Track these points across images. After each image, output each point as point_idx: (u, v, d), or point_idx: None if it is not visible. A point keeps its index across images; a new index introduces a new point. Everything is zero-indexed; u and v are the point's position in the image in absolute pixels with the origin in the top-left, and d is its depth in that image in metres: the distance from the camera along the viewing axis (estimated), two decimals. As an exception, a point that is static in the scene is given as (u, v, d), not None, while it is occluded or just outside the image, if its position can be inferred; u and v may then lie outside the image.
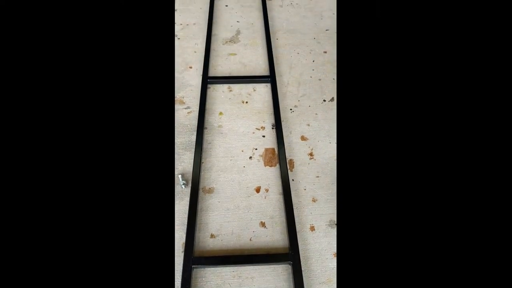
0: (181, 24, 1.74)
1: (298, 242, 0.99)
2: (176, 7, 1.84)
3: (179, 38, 1.67)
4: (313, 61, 1.59)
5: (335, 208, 1.10)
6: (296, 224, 1.04)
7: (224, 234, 1.04)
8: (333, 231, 1.05)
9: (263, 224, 1.06)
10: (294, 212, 1.06)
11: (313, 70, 1.55)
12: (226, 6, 1.87)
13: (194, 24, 1.75)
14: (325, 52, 1.64)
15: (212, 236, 1.03)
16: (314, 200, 1.12)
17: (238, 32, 1.72)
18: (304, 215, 1.09)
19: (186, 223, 1.03)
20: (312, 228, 1.06)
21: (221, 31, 1.72)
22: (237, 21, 1.78)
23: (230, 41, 1.67)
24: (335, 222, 1.07)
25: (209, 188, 1.14)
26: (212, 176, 1.17)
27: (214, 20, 1.76)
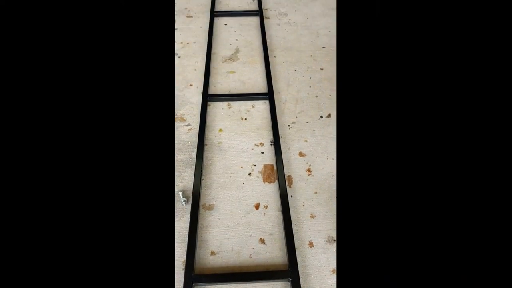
0: (181, 43, 1.80)
1: (297, 258, 1.00)
2: (176, 26, 1.90)
3: (179, 57, 1.72)
4: (310, 78, 1.64)
5: (333, 224, 1.12)
6: (295, 240, 1.05)
7: (224, 251, 1.05)
8: (332, 247, 1.07)
9: (262, 241, 1.08)
10: (293, 229, 1.08)
11: (310, 87, 1.59)
12: (225, 24, 1.93)
13: (194, 42, 1.80)
14: (322, 69, 1.69)
15: (212, 253, 1.05)
16: (312, 216, 1.14)
17: (237, 50, 1.77)
18: (303, 231, 1.10)
19: (186, 241, 1.04)
20: (311, 245, 1.07)
21: (221, 49, 1.77)
22: (236, 39, 1.84)
23: (229, 59, 1.72)
24: (333, 238, 1.09)
25: (209, 205, 1.16)
26: (212, 193, 1.19)
27: (213, 39, 1.82)
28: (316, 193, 1.20)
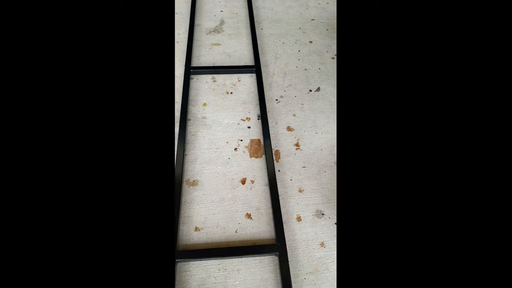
0: (163, 14, 1.69)
1: (285, 232, 0.97)
2: (157, -4, 1.78)
3: (161, 28, 1.62)
4: (299, 51, 1.57)
5: (322, 198, 1.09)
6: (282, 214, 1.02)
7: (209, 227, 1.01)
8: (320, 221, 1.04)
9: (249, 216, 1.04)
10: (281, 203, 1.04)
11: (298, 60, 1.53)
12: (210, -5, 1.82)
13: (177, 13, 1.70)
14: (311, 42, 1.62)
15: (196, 229, 1.01)
16: (300, 191, 1.11)
17: (222, 22, 1.68)
18: (291, 206, 1.07)
19: (169, 217, 0.99)
20: (299, 219, 1.04)
21: (205, 21, 1.67)
22: (221, 11, 1.74)
23: (213, 31, 1.63)
24: (322, 212, 1.06)
25: (193, 181, 1.11)
26: (196, 168, 1.14)
27: (197, 10, 1.71)
28: (304, 167, 1.17)
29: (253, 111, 1.32)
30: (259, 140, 1.23)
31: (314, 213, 1.06)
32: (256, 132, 1.26)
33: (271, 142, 1.20)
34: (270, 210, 1.04)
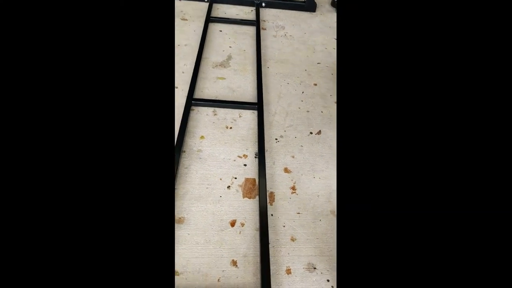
0: (172, 44, 1.72)
1: (272, 287, 0.89)
2: (169, 27, 1.83)
3: (168, 58, 1.63)
4: (303, 92, 1.57)
5: (315, 249, 1.01)
6: (271, 265, 0.94)
7: (189, 272, 0.92)
8: (311, 276, 0.95)
9: (234, 263, 0.96)
10: (270, 251, 0.97)
11: (302, 101, 1.52)
12: (220, 31, 1.87)
13: (186, 45, 1.73)
14: (315, 84, 1.63)
15: (176, 273, 0.92)
16: (292, 239, 1.03)
17: (229, 58, 1.70)
18: (281, 256, 0.99)
19: (148, 256, 0.91)
20: (289, 271, 0.96)
21: (212, 55, 1.70)
22: (230, 47, 1.77)
23: (220, 65, 1.64)
24: (314, 266, 0.98)
25: (179, 218, 1.04)
26: (185, 204, 1.08)
27: (206, 44, 1.75)
28: (299, 213, 1.10)
29: (251, 148, 1.29)
30: (254, 179, 1.18)
31: (306, 266, 0.97)
32: (252, 171, 1.21)
33: (266, 183, 1.14)
34: (258, 259, 0.96)
